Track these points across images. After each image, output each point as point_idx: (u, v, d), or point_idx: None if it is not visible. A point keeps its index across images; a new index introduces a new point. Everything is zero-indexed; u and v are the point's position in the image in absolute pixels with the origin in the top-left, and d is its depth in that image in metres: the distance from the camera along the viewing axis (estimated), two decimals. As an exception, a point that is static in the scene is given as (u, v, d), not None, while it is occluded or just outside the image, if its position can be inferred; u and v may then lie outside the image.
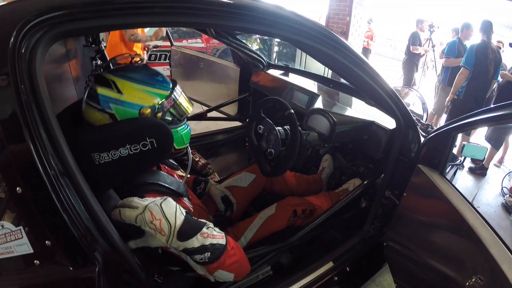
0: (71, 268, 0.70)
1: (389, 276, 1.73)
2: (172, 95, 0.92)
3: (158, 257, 0.91)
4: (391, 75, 6.09)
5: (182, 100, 0.97)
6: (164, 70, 4.31)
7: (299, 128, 1.33)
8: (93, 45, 1.73)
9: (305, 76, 2.24)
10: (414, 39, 4.59)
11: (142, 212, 0.73)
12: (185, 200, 1.17)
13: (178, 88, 0.96)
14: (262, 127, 1.32)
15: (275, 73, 2.29)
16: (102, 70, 0.97)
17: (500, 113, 1.00)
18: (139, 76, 0.88)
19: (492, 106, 1.06)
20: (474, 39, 3.55)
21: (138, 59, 1.01)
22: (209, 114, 2.56)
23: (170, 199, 0.79)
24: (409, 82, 4.70)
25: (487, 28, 3.24)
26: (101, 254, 0.71)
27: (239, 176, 1.52)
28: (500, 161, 3.64)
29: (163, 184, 0.96)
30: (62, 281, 0.72)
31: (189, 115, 1.02)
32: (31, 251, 0.69)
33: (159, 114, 0.89)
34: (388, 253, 1.44)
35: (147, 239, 0.78)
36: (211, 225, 0.82)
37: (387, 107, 1.27)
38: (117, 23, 0.73)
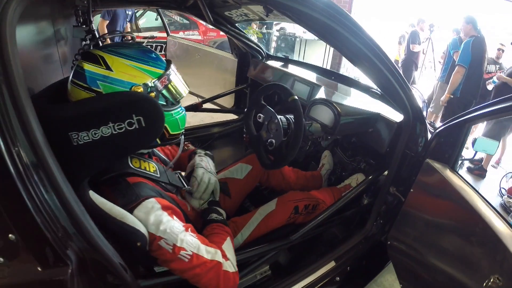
0: (40, 269, 0.58)
1: (390, 276, 1.67)
2: (166, 75, 0.84)
3: (142, 258, 0.84)
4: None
5: (177, 80, 0.89)
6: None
7: None
8: (84, 26, 1.61)
9: (305, 68, 2.15)
10: (414, 38, 4.56)
11: None
12: (179, 197, 1.06)
13: (173, 68, 0.88)
14: (262, 115, 1.22)
15: (275, 64, 2.20)
16: (91, 47, 0.86)
17: None
18: (130, 52, 0.80)
19: (509, 95, 1.00)
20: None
21: (129, 37, 0.93)
22: (204, 106, 2.46)
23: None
24: (408, 80, 4.62)
25: (474, 21, 3.21)
26: (76, 252, 0.60)
27: (235, 168, 1.42)
28: (498, 162, 3.62)
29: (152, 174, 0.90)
30: (30, 283, 0.60)
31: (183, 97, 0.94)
32: None
33: (152, 95, 0.81)
34: (393, 252, 1.37)
35: None
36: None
37: (397, 97, 1.20)
38: None
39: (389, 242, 1.38)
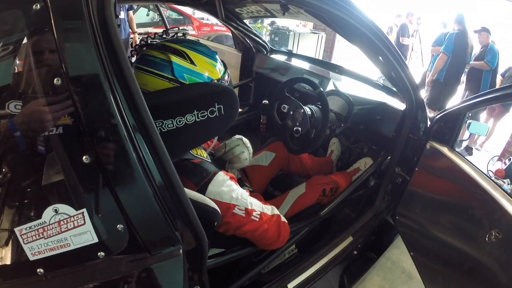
0: (149, 255, 0.60)
1: (397, 250, 1.84)
2: (227, 72, 0.94)
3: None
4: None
5: (231, 79, 0.97)
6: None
7: None
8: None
9: (308, 61, 2.27)
10: (403, 31, 4.78)
11: None
12: None
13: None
14: (287, 106, 1.34)
15: (280, 58, 2.31)
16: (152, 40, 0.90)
17: (507, 92, 1.12)
18: (203, 49, 0.88)
19: (499, 87, 1.17)
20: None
21: (181, 33, 0.97)
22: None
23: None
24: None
25: (462, 20, 3.58)
26: (180, 233, 0.63)
27: (260, 155, 1.52)
28: (481, 145, 3.91)
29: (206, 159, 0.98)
30: (134, 274, 0.60)
31: None
32: (95, 240, 0.57)
33: None
34: (401, 226, 1.53)
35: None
36: None
37: (404, 87, 1.34)
38: None
39: (397, 217, 1.55)
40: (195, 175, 0.85)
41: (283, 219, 1.01)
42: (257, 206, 0.92)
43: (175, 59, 0.82)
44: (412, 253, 1.43)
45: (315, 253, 1.35)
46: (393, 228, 1.67)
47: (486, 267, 1.09)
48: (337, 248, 1.40)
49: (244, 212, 0.87)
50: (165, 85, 0.82)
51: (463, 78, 3.93)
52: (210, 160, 0.99)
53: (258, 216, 0.90)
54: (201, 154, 0.97)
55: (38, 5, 0.53)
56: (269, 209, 0.97)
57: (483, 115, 3.93)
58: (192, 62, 0.83)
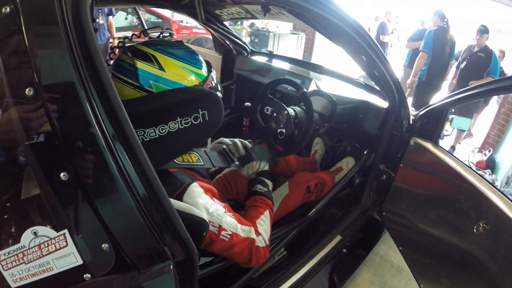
0: (138, 273, 0.57)
1: (384, 246, 1.87)
2: (210, 77, 0.87)
3: None
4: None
5: (217, 82, 0.91)
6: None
7: None
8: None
9: (290, 62, 2.27)
10: (383, 29, 4.89)
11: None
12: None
13: (213, 70, 0.91)
14: (270, 108, 1.32)
15: (261, 59, 2.29)
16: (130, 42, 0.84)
17: (491, 87, 1.14)
18: (179, 53, 0.81)
19: (483, 82, 1.20)
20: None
21: (167, 34, 0.90)
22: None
23: None
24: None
25: (442, 15, 3.56)
26: (169, 247, 0.60)
27: None
28: (461, 139, 4.05)
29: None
30: None
31: None
32: (79, 262, 0.53)
33: None
34: (388, 222, 1.55)
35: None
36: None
37: (386, 85, 1.35)
38: None
39: (384, 214, 1.56)
40: (168, 185, 0.79)
41: (260, 243, 0.91)
42: (230, 225, 0.84)
43: (141, 64, 0.75)
44: (400, 248, 1.45)
45: (304, 254, 1.34)
46: (380, 224, 1.68)
47: (476, 258, 1.11)
48: (326, 248, 1.40)
49: (217, 229, 0.81)
50: (133, 93, 0.76)
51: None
52: (202, 163, 0.92)
53: (229, 237, 0.83)
54: (189, 159, 0.90)
55: (8, 8, 0.49)
56: (245, 230, 0.89)
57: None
58: (161, 68, 0.76)
